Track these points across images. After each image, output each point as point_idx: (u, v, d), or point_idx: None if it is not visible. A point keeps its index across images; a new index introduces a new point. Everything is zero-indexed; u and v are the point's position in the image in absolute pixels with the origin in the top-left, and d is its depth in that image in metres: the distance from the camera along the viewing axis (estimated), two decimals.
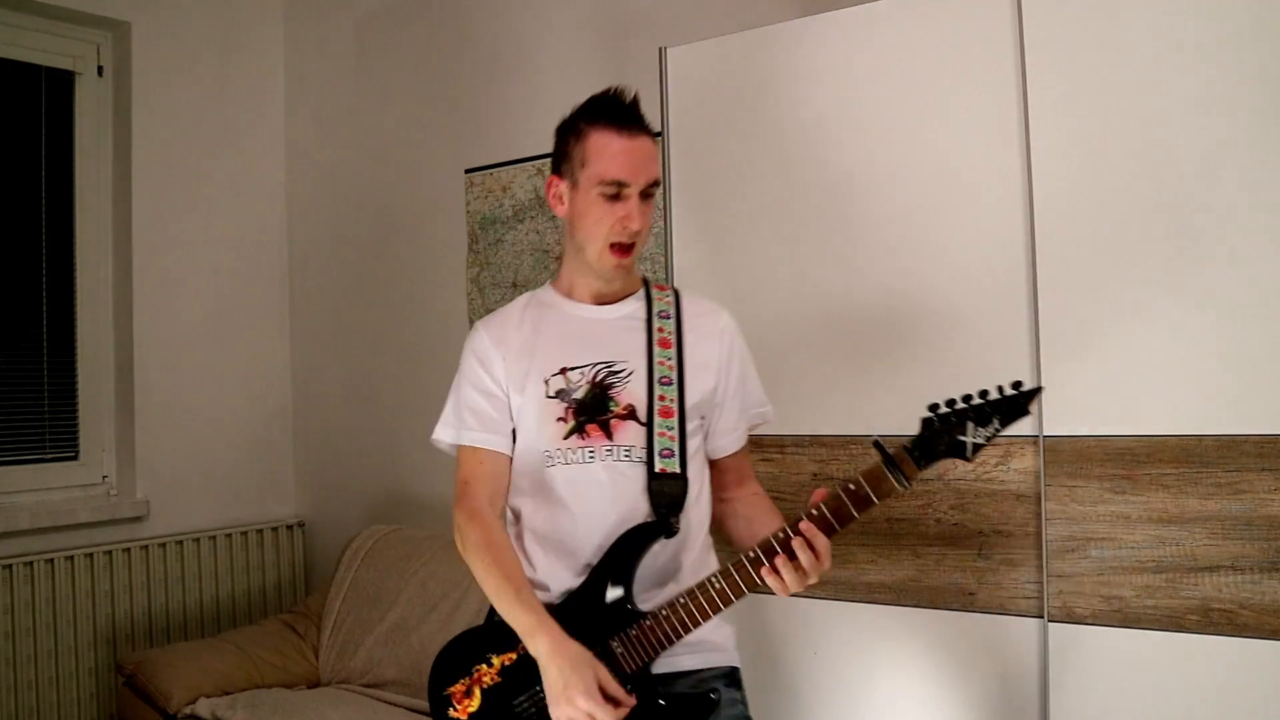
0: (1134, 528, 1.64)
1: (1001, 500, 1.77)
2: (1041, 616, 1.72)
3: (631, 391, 1.45)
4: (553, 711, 1.31)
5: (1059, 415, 1.71)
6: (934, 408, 1.28)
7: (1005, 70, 1.77)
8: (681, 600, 1.36)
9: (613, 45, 2.73)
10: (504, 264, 2.94)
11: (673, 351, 1.47)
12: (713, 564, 1.51)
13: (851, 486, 1.29)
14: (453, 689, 1.44)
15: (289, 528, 3.37)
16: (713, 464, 1.57)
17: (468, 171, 3.02)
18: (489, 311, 2.92)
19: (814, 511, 1.30)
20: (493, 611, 1.44)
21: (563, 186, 1.48)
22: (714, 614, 1.35)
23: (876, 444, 1.29)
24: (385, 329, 3.24)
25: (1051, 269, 1.72)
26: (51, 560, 2.75)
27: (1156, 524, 1.62)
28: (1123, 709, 1.65)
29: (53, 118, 2.99)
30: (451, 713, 1.43)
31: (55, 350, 2.99)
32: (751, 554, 1.33)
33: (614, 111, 1.43)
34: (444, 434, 1.53)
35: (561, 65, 2.82)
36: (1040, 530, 1.73)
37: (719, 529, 1.57)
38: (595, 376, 1.46)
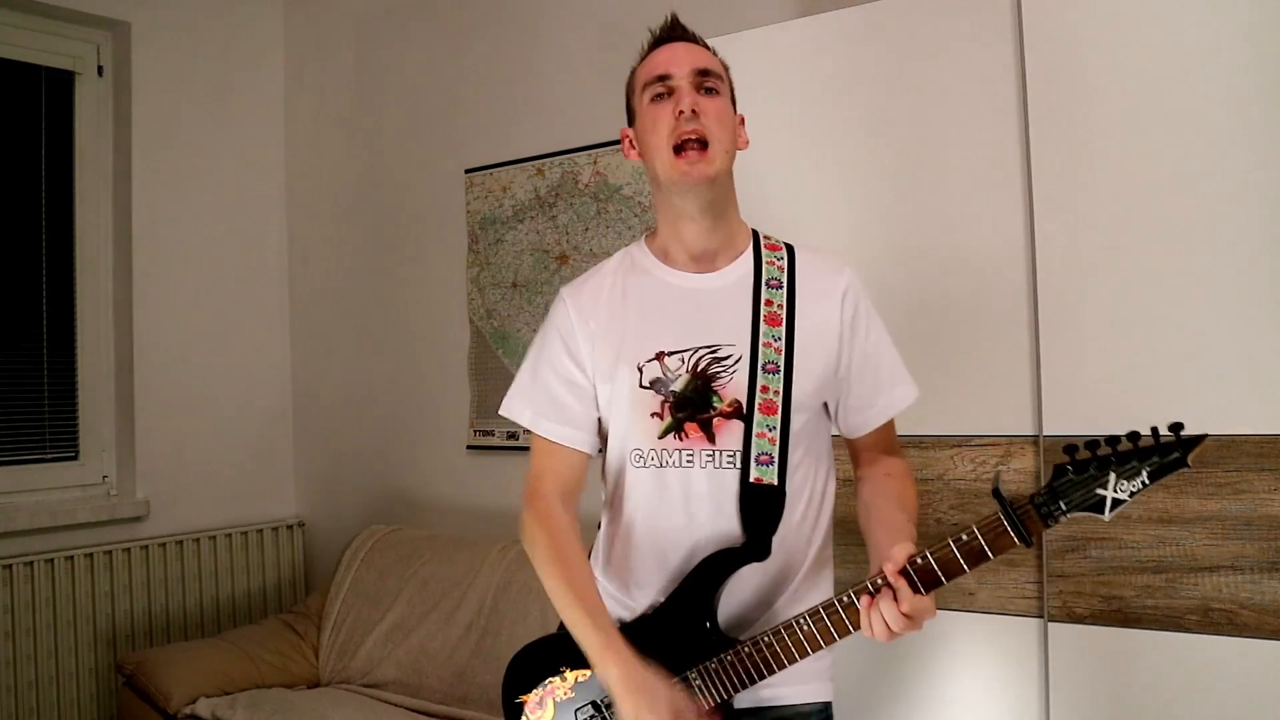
0: (1134, 528, 1.64)
1: None
2: (1041, 616, 1.72)
3: (739, 383, 1.26)
4: None
5: (1059, 415, 1.71)
6: (1071, 450, 1.08)
7: (1005, 70, 1.77)
8: (766, 639, 1.21)
9: (613, 45, 2.72)
10: (504, 264, 2.94)
11: (782, 330, 1.28)
12: (826, 585, 1.35)
13: (965, 537, 1.12)
14: (526, 697, 1.34)
15: (289, 528, 3.37)
16: (849, 441, 1.39)
17: (468, 171, 3.02)
18: (488, 311, 2.97)
19: (919, 561, 1.13)
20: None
21: (630, 131, 1.36)
22: (801, 657, 1.20)
23: (996, 492, 1.11)
24: (385, 329, 3.24)
25: (1051, 269, 1.72)
26: (51, 560, 2.75)
27: (1156, 524, 1.62)
28: (1123, 709, 1.65)
29: (53, 118, 2.99)
30: None
31: (55, 350, 2.99)
32: (845, 599, 1.18)
33: (660, 31, 1.34)
34: (519, 413, 1.36)
35: (561, 65, 2.82)
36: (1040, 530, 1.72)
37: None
38: (697, 364, 1.28)
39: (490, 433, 2.96)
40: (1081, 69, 1.70)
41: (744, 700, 1.26)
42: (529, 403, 1.36)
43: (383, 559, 2.83)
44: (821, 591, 1.33)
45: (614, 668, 1.20)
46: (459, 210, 3.04)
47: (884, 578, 1.13)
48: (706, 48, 1.33)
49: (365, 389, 3.29)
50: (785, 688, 1.29)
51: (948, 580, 1.12)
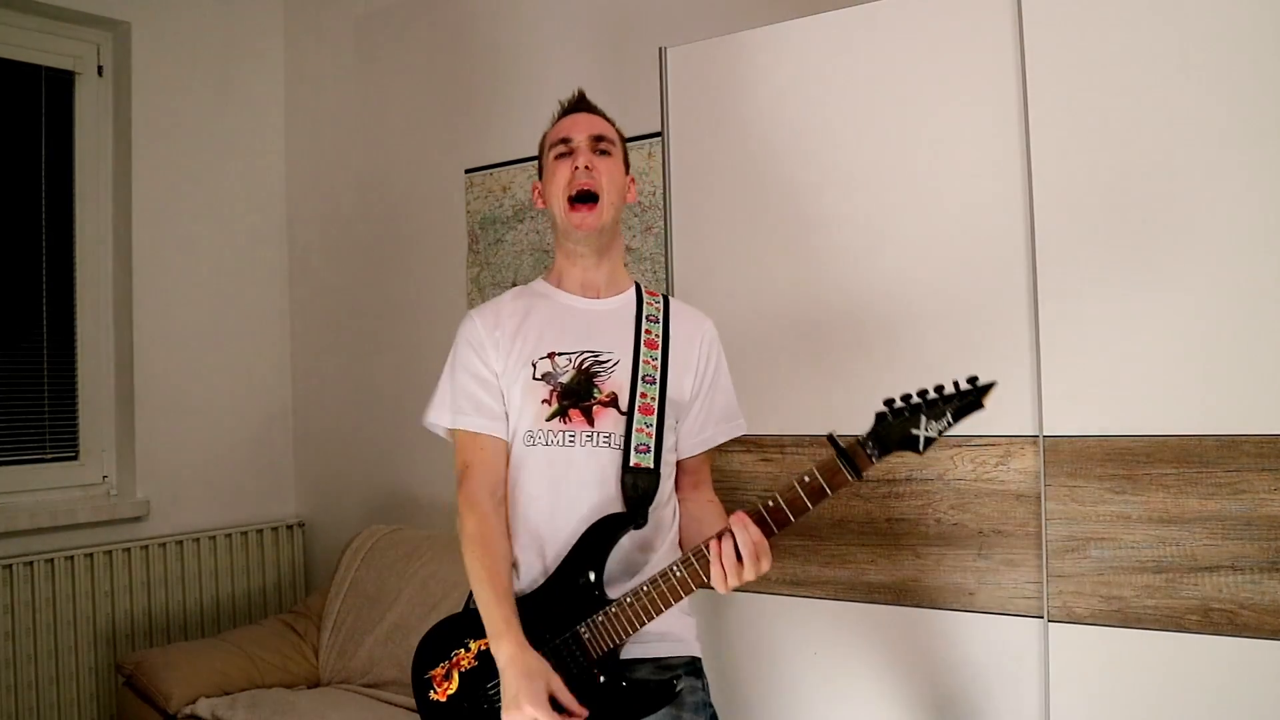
0: (1134, 528, 1.64)
1: (1001, 500, 1.77)
2: (1041, 616, 1.72)
3: (615, 381, 1.51)
4: (504, 716, 1.37)
5: (1059, 415, 1.71)
6: (889, 402, 1.31)
7: (1005, 70, 1.77)
8: (645, 588, 1.40)
9: (613, 45, 2.73)
10: (504, 264, 2.94)
11: (658, 352, 1.54)
12: (665, 552, 1.55)
13: (806, 479, 1.33)
14: (434, 672, 1.50)
15: (289, 528, 3.37)
16: (677, 465, 1.61)
17: (468, 171, 3.02)
18: None
19: (770, 503, 1.34)
20: (471, 598, 1.49)
21: (539, 185, 1.63)
22: (675, 601, 1.39)
23: (830, 437, 1.33)
24: (385, 329, 3.24)
25: (1051, 269, 1.72)
26: (51, 560, 2.75)
27: (1156, 524, 1.62)
28: (1123, 709, 1.65)
29: (53, 118, 2.99)
30: (432, 695, 1.49)
31: (55, 350, 2.99)
32: (704, 546, 1.37)
33: (565, 104, 1.62)
34: (439, 417, 1.56)
35: (561, 65, 2.82)
36: (1040, 530, 1.72)
37: None
38: (582, 364, 1.52)
39: None
40: (1081, 68, 1.70)
41: (626, 653, 1.45)
42: (448, 407, 1.55)
43: (383, 559, 2.83)
44: (677, 555, 1.53)
45: (505, 648, 1.38)
46: (459, 210, 3.04)
47: (731, 526, 1.35)
48: (605, 119, 1.60)
49: (365, 389, 3.29)
50: (660, 644, 1.50)
51: (795, 519, 1.34)
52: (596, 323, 1.56)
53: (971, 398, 1.29)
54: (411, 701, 2.48)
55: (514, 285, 2.90)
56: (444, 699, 1.48)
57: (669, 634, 1.51)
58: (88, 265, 3.05)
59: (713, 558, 1.35)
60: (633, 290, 1.62)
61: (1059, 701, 1.69)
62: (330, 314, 3.39)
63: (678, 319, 1.60)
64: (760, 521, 1.35)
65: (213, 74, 3.28)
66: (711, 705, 1.54)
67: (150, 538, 3.00)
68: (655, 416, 1.50)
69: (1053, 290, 1.72)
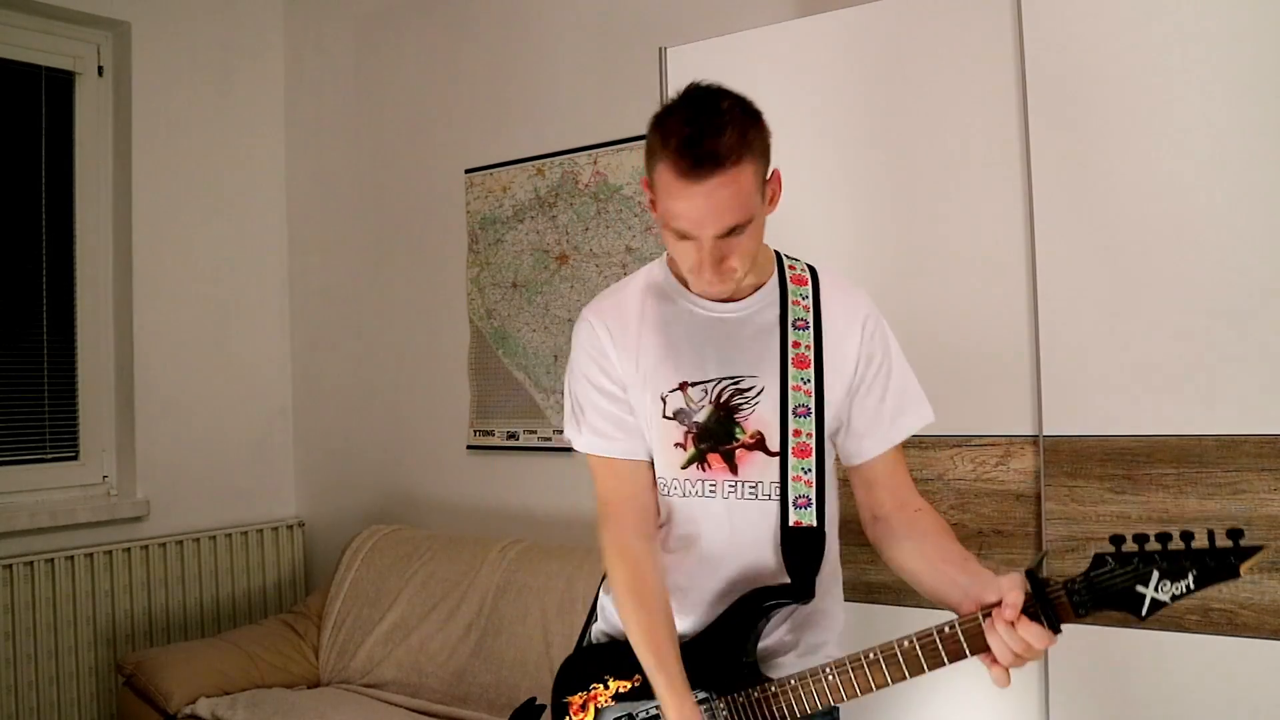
0: (1134, 528, 1.64)
1: (1001, 500, 1.77)
2: None
3: (760, 416, 1.26)
4: None
5: (1059, 415, 1.71)
6: (1117, 540, 1.01)
7: (1005, 70, 1.77)
8: (792, 683, 1.21)
9: (613, 45, 2.73)
10: (504, 264, 2.94)
11: (810, 373, 1.27)
12: (838, 596, 1.38)
13: (965, 625, 1.10)
14: (571, 699, 1.38)
15: (289, 528, 3.36)
16: (854, 472, 1.33)
17: (468, 171, 3.02)
18: (488, 311, 2.97)
19: (946, 630, 1.11)
20: (593, 613, 1.41)
21: (649, 194, 1.25)
22: (849, 698, 1.18)
23: (1030, 573, 1.04)
24: (385, 329, 3.24)
25: (1051, 269, 1.72)
26: (51, 560, 2.75)
27: (1156, 524, 1.62)
28: (1123, 709, 1.65)
29: (53, 118, 2.99)
30: None
31: (55, 350, 2.99)
32: (906, 643, 1.14)
33: (681, 145, 1.14)
34: (574, 438, 1.35)
35: (562, 65, 2.82)
36: (1040, 530, 1.72)
37: (881, 555, 1.31)
38: (719, 395, 1.27)
39: (490, 433, 2.96)
40: (1081, 69, 1.70)
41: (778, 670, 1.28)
42: (580, 426, 1.34)
43: (383, 559, 2.83)
44: (837, 596, 1.36)
45: (673, 710, 1.22)
46: (459, 210, 3.04)
47: (992, 614, 1.08)
48: (741, 157, 1.14)
49: (365, 389, 3.29)
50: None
51: (949, 661, 1.12)
52: (734, 336, 1.29)
53: (1229, 561, 0.96)
54: (411, 701, 2.51)
55: (514, 286, 2.90)
56: None
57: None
58: (88, 265, 3.05)
59: (988, 663, 1.09)
60: (774, 279, 1.31)
61: (1058, 701, 1.69)
62: (330, 314, 3.39)
63: (831, 314, 1.30)
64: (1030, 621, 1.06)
65: (213, 74, 3.28)
66: None
67: (150, 538, 3.00)
68: (814, 460, 1.25)
69: (1053, 290, 1.72)
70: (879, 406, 1.30)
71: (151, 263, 3.09)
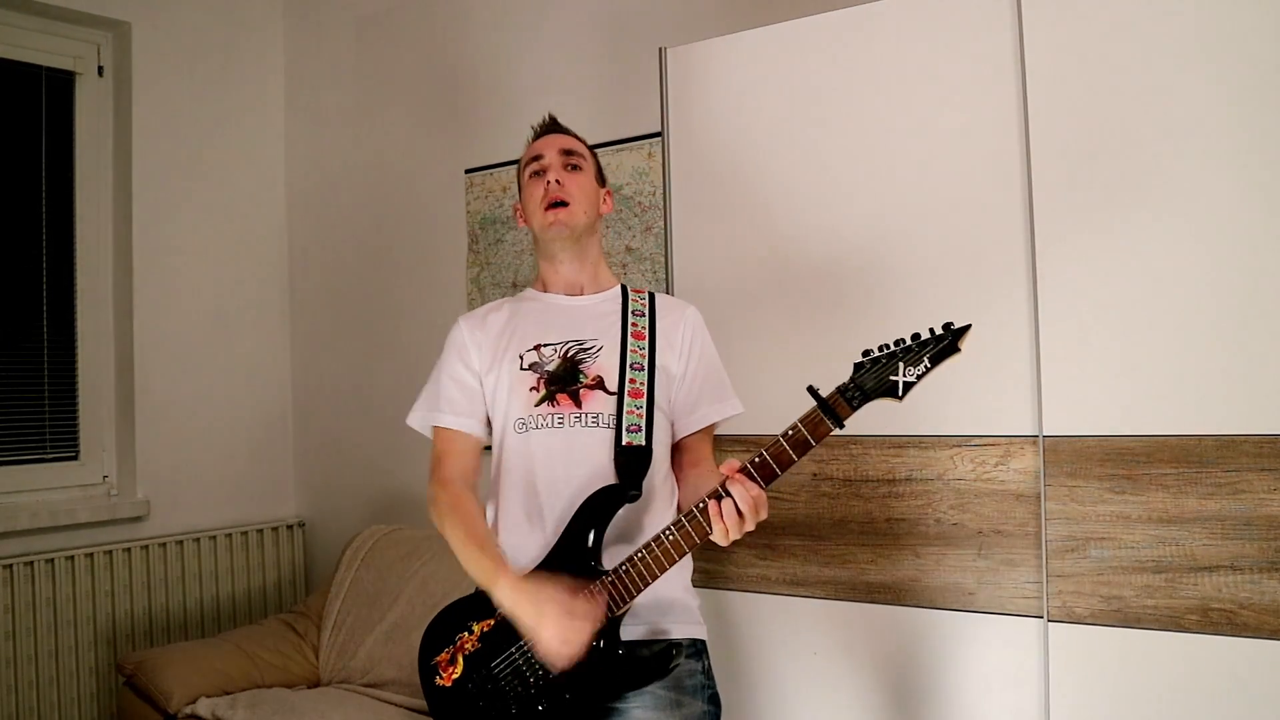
0: (1134, 528, 1.64)
1: (1001, 500, 1.77)
2: (1041, 616, 1.72)
3: (600, 364, 1.56)
4: (541, 647, 1.37)
5: (1059, 415, 1.71)
6: (866, 352, 1.33)
7: (1005, 68, 1.77)
8: (641, 553, 1.40)
9: (613, 45, 2.73)
10: (504, 264, 2.94)
11: (645, 343, 1.58)
12: (668, 515, 1.56)
13: (790, 431, 1.34)
14: (438, 658, 1.52)
15: (289, 528, 3.37)
16: (676, 445, 1.62)
17: (468, 171, 3.02)
18: None
19: (755, 459, 1.34)
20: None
21: (519, 205, 1.68)
22: (675, 560, 1.39)
23: (811, 389, 1.34)
24: (385, 329, 3.24)
25: (1051, 268, 1.72)
26: (51, 560, 2.75)
27: (1156, 524, 1.62)
28: (1123, 709, 1.65)
29: (53, 118, 2.99)
30: (437, 680, 1.51)
31: (55, 350, 2.99)
32: (701, 504, 1.37)
33: (533, 134, 1.69)
34: (416, 419, 1.66)
35: (561, 65, 2.82)
36: (1040, 530, 1.73)
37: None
38: (567, 352, 1.58)
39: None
40: (1081, 69, 1.70)
41: (633, 633, 1.47)
42: (424, 409, 1.65)
43: (383, 559, 2.83)
44: (663, 513, 1.56)
45: (505, 586, 1.41)
46: (459, 210, 3.04)
47: (724, 482, 1.35)
48: (575, 137, 1.68)
49: (365, 389, 3.29)
50: (669, 624, 1.51)
51: (781, 472, 1.35)
52: (581, 316, 1.62)
53: (947, 341, 1.30)
54: (411, 701, 2.51)
55: (514, 286, 2.90)
56: (449, 684, 1.49)
57: (673, 608, 1.52)
58: (88, 265, 3.05)
59: (713, 515, 1.34)
60: (618, 288, 1.67)
61: (1059, 701, 1.69)
62: (330, 314, 3.39)
63: (663, 310, 1.64)
64: (749, 478, 1.35)
65: (213, 74, 3.28)
66: (713, 687, 1.53)
67: (150, 538, 3.00)
68: (645, 399, 1.54)
69: (1053, 290, 1.72)
70: (697, 398, 1.61)
71: (151, 263, 3.09)
